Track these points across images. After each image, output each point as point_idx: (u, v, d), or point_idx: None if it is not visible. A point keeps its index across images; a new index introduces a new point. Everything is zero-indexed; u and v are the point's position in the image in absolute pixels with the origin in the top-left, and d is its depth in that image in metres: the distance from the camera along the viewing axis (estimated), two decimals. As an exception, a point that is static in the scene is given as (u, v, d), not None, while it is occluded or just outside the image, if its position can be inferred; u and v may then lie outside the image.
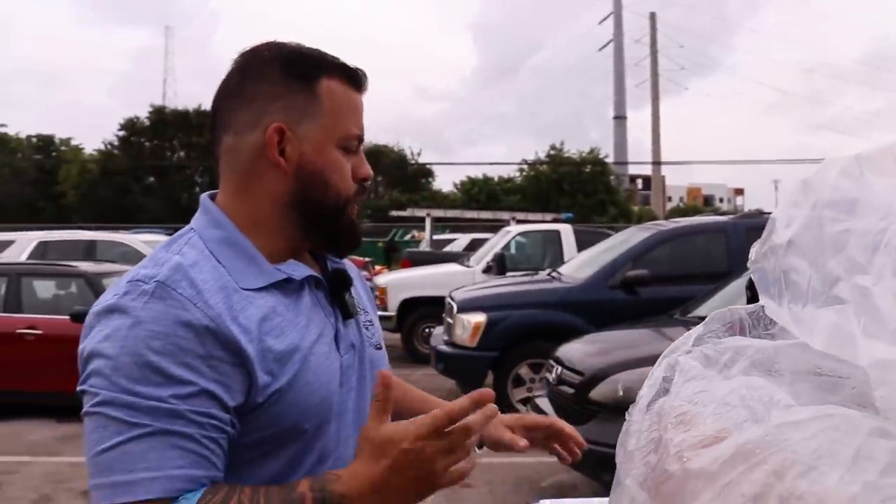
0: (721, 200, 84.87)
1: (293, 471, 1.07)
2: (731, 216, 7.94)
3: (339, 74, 1.14)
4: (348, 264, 1.31)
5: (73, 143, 51.61)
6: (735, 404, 0.68)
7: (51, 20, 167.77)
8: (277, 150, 1.10)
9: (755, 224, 7.13)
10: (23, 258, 10.78)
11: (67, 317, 7.30)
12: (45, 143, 50.65)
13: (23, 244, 11.44)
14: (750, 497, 0.54)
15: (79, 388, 1.00)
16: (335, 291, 1.20)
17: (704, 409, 0.72)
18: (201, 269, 1.05)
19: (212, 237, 1.10)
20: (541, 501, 1.76)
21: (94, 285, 7.65)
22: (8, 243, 11.58)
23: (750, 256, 0.88)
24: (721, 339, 0.87)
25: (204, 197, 1.17)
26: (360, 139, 1.17)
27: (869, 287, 0.67)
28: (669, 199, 68.15)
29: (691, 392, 0.77)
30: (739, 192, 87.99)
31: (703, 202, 77.12)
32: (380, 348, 1.28)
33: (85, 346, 1.00)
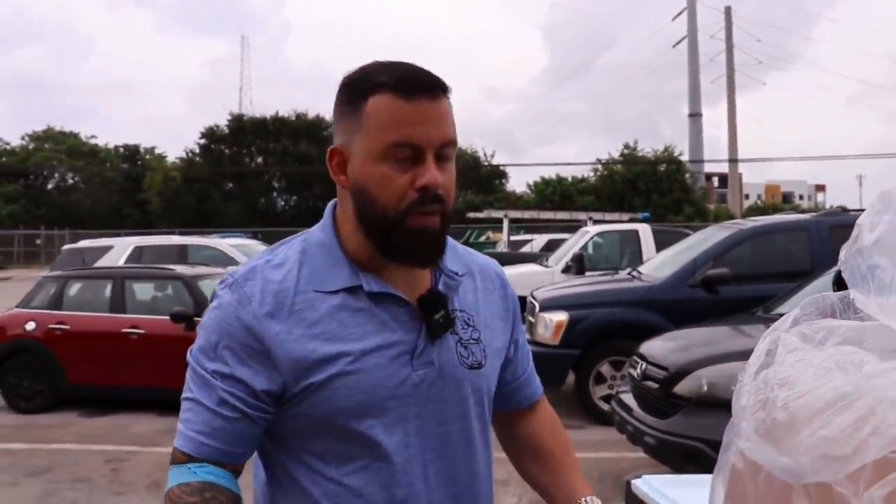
0: (801, 198, 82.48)
1: (338, 456, 1.20)
2: (814, 214, 7.86)
3: (387, 89, 1.15)
4: (499, 284, 1.40)
5: (157, 151, 53.91)
6: (831, 367, 0.85)
7: (131, 33, 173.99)
8: (335, 169, 1.22)
9: (838, 222, 7.05)
10: (121, 262, 11.40)
11: (167, 317, 7.76)
12: (131, 153, 52.98)
13: (121, 249, 12.12)
14: (847, 426, 0.71)
15: None
16: (426, 312, 1.23)
17: (804, 373, 0.89)
18: (279, 270, 1.21)
19: (315, 240, 1.26)
20: (643, 477, 1.91)
21: (191, 287, 8.09)
22: (107, 248, 12.28)
23: (840, 256, 1.04)
24: (815, 320, 1.03)
25: (329, 204, 1.30)
26: (412, 146, 1.15)
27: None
28: (747, 196, 66.68)
29: (792, 361, 0.93)
30: (821, 188, 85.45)
31: (781, 199, 75.09)
32: (476, 367, 1.28)
33: None
